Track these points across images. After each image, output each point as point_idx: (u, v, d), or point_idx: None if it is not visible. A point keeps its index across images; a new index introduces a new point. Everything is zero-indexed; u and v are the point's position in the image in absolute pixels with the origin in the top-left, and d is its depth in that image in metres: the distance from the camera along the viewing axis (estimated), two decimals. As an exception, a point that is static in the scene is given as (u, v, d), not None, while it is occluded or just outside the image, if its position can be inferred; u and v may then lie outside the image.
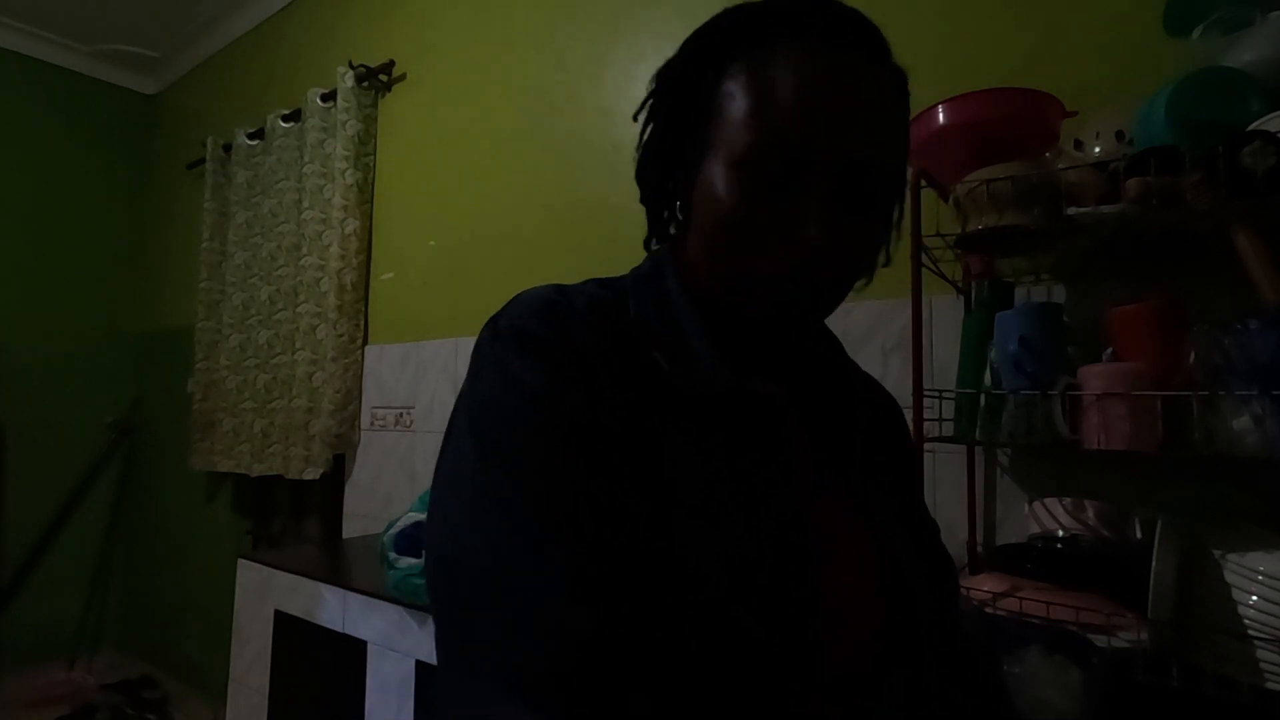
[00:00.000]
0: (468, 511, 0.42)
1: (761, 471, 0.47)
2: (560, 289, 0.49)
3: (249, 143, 2.65)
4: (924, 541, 0.61)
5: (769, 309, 0.47)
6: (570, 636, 0.37)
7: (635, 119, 0.54)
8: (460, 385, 0.48)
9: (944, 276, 1.08)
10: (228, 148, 2.75)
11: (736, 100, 0.46)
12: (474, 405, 0.45)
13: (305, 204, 2.31)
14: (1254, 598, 0.73)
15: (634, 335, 0.48)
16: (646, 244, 0.57)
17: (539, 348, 0.44)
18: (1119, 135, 0.92)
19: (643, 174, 0.55)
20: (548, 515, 0.40)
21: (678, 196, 0.52)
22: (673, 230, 0.55)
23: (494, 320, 0.47)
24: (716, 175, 0.46)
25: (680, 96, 0.50)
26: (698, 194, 0.49)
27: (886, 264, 0.55)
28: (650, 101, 0.53)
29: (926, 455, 1.12)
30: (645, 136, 0.54)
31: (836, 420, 0.57)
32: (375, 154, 2.30)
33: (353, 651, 1.33)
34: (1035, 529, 0.99)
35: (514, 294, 0.49)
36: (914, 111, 0.58)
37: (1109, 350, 0.87)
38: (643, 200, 0.56)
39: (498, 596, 0.39)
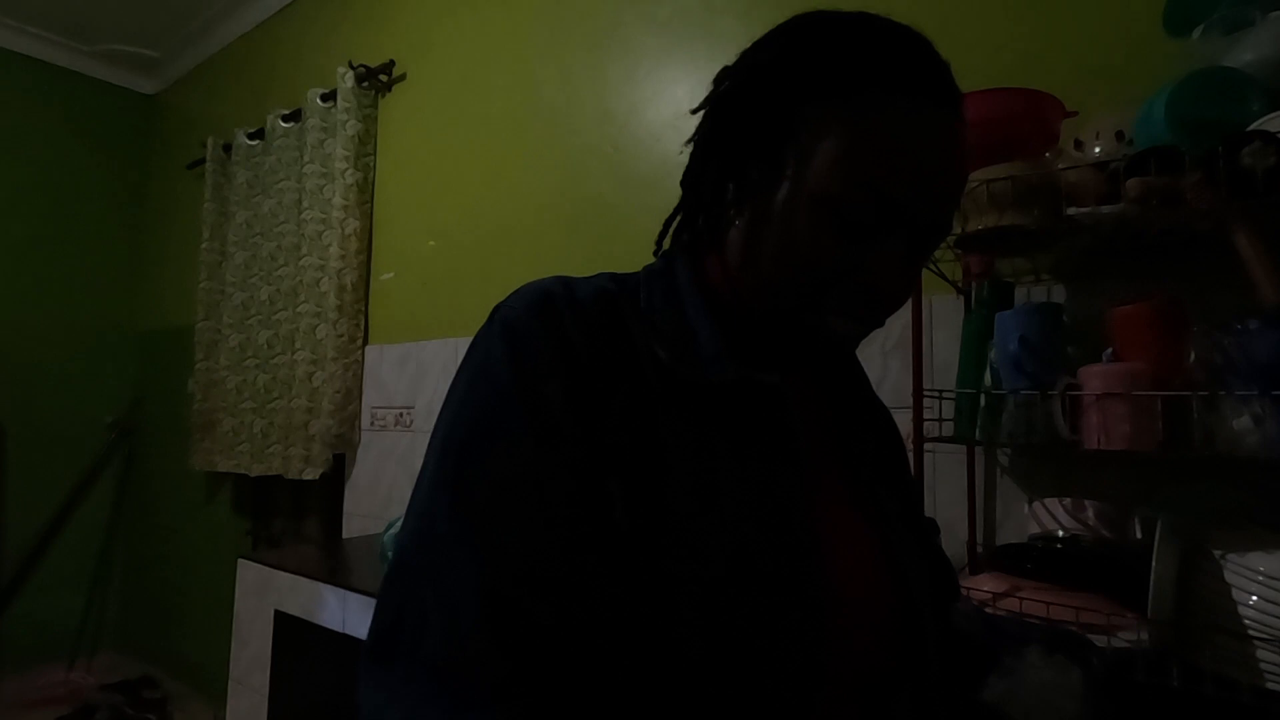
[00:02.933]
0: (421, 500, 0.44)
1: (764, 462, 0.47)
2: (565, 280, 0.49)
3: (249, 143, 2.65)
4: (925, 544, 0.61)
5: (827, 340, 0.48)
6: (475, 658, 0.38)
7: (694, 113, 0.53)
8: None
9: (944, 277, 1.08)
10: (228, 148, 2.74)
11: (829, 138, 0.44)
12: (454, 390, 0.46)
13: (305, 204, 2.31)
14: (1254, 598, 0.73)
15: (639, 329, 0.48)
16: (659, 240, 0.56)
17: (522, 339, 0.45)
18: (1119, 135, 0.92)
19: (696, 173, 0.53)
20: (487, 522, 0.41)
21: (730, 204, 0.50)
22: (712, 227, 0.53)
23: (495, 308, 0.48)
24: (795, 205, 0.45)
25: (752, 110, 0.48)
26: (763, 214, 0.47)
27: None
28: (715, 101, 0.52)
29: (926, 455, 1.12)
30: (701, 135, 0.52)
31: (842, 418, 0.57)
32: (375, 154, 2.30)
33: (353, 651, 1.33)
34: (1035, 529, 0.99)
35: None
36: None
37: (1109, 350, 0.87)
38: (686, 197, 0.54)
39: (423, 589, 0.41)
